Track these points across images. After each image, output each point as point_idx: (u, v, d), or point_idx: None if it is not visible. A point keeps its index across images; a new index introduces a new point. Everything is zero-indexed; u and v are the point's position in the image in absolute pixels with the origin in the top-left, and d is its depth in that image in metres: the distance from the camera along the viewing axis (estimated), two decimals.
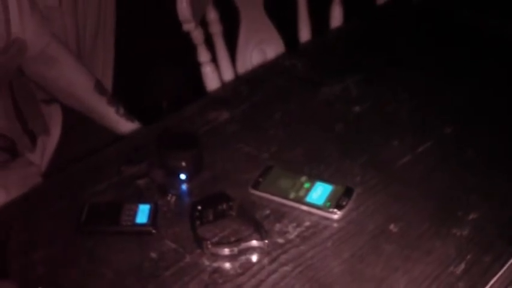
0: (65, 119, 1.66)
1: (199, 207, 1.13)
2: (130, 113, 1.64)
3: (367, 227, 1.14)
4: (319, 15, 1.96)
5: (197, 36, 1.68)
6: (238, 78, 1.79)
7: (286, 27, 1.94)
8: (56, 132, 1.63)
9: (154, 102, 1.98)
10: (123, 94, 1.85)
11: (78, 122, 1.65)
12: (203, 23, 1.73)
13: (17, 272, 1.07)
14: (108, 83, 2.12)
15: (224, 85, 1.74)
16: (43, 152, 1.57)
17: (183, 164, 1.23)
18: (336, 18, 1.95)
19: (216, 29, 1.75)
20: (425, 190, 1.21)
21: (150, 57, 2.35)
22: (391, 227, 1.13)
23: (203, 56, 1.72)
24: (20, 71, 1.57)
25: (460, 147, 1.31)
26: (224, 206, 1.14)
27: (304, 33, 1.94)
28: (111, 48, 2.16)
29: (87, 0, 2.03)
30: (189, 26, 1.64)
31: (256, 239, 1.09)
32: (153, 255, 1.10)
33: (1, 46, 1.40)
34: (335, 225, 1.14)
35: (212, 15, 1.74)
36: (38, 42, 1.51)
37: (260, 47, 1.90)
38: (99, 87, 1.62)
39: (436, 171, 1.26)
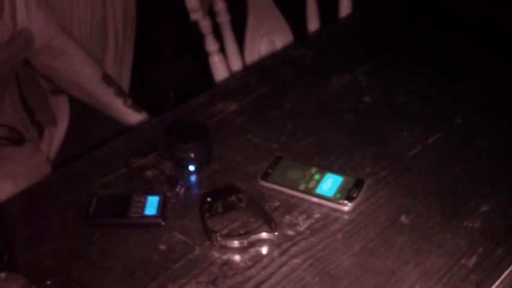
0: (72, 110, 1.65)
1: (209, 199, 1.12)
2: (139, 104, 1.63)
3: (378, 219, 1.13)
4: (327, 5, 1.95)
5: (205, 25, 1.67)
6: (246, 68, 1.78)
7: (294, 17, 1.93)
8: (63, 123, 1.62)
9: (162, 93, 1.97)
10: (132, 85, 1.85)
11: (85, 113, 1.64)
12: (211, 13, 1.72)
13: (25, 264, 1.06)
14: (127, 78, 2.11)
15: (232, 76, 1.73)
16: (50, 143, 1.57)
17: (192, 155, 1.22)
18: (345, 7, 1.94)
19: (223, 18, 1.75)
20: (436, 181, 1.20)
21: (158, 48, 2.34)
22: (402, 218, 1.12)
23: (211, 45, 1.71)
24: (27, 63, 1.56)
25: (470, 138, 1.30)
26: (233, 198, 1.13)
27: (313, 23, 1.93)
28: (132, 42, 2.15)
29: None
30: (197, 15, 1.63)
31: (266, 231, 1.08)
32: (162, 247, 1.09)
33: (8, 37, 1.39)
34: (345, 217, 1.13)
35: (220, 5, 1.73)
36: (45, 34, 1.50)
37: (268, 37, 1.89)
38: (107, 79, 1.61)
39: (446, 162, 1.25)
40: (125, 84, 2.00)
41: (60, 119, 1.62)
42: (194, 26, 1.68)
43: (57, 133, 1.60)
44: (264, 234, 1.07)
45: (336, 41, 1.67)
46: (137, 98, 1.65)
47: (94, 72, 1.61)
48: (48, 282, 0.97)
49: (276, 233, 1.08)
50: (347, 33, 1.72)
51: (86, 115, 1.64)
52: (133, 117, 1.61)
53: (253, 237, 1.07)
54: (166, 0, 1.88)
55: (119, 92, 1.61)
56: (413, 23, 1.70)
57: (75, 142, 1.59)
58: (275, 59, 1.62)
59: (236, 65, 1.79)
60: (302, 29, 1.92)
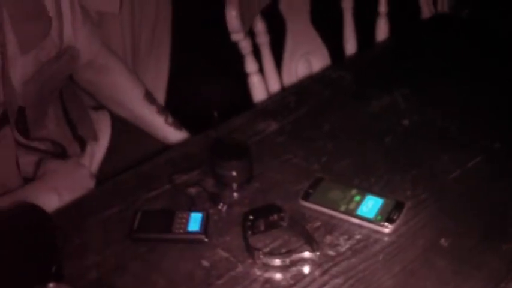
0: (113, 127, 1.68)
1: (251, 217, 1.14)
2: (180, 122, 1.66)
3: (418, 241, 1.14)
4: (365, 28, 1.97)
5: (245, 46, 1.70)
6: (286, 89, 1.80)
7: (331, 39, 1.95)
8: (104, 139, 1.64)
9: (203, 112, 2.01)
10: (173, 103, 1.87)
11: (126, 129, 1.66)
12: (250, 34, 1.75)
13: (70, 276, 1.08)
14: (161, 94, 2.14)
15: (272, 96, 1.75)
16: (92, 158, 1.59)
17: (234, 173, 1.24)
18: (382, 31, 1.96)
19: (263, 39, 1.77)
20: (476, 205, 1.21)
21: (200, 67, 2.37)
22: (442, 241, 1.13)
23: (251, 66, 1.73)
24: (70, 78, 1.60)
25: (509, 162, 1.31)
26: (275, 216, 1.15)
27: (350, 46, 1.95)
28: (166, 59, 2.18)
29: (144, 10, 2.06)
30: (238, 36, 1.66)
31: (308, 251, 1.09)
32: (205, 263, 1.11)
33: (54, 53, 1.42)
34: (386, 239, 1.15)
35: (259, 26, 1.75)
36: (89, 51, 1.53)
37: (306, 58, 1.91)
38: (149, 97, 1.64)
39: (486, 186, 1.26)
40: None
41: (101, 135, 1.64)
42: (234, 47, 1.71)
43: (99, 148, 1.62)
44: (306, 254, 1.09)
45: (373, 63, 1.69)
46: (179, 116, 1.67)
47: (136, 89, 1.64)
48: None
49: (318, 253, 1.09)
50: (385, 56, 1.73)
51: (127, 132, 1.66)
52: (174, 135, 1.63)
53: (295, 256, 1.09)
54: (210, 20, 1.89)
55: (161, 110, 1.64)
56: (451, 47, 1.71)
57: (116, 158, 1.61)
58: (314, 80, 1.64)
59: (274, 85, 1.81)
60: (339, 51, 1.94)
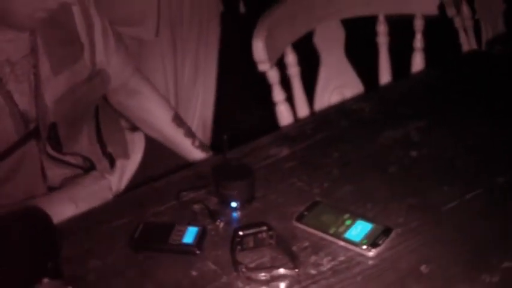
0: (147, 146, 1.78)
1: (241, 233, 1.22)
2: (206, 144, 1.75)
3: (399, 266, 1.18)
4: (400, 62, 2.01)
5: (272, 76, 1.76)
6: (304, 118, 1.86)
7: (366, 72, 2.00)
8: (136, 157, 1.75)
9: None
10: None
11: (157, 148, 1.76)
12: (281, 64, 1.82)
13: (72, 276, 1.17)
14: (209, 119, 2.25)
15: (291, 124, 1.81)
16: (122, 175, 1.70)
17: (235, 193, 1.32)
18: (418, 65, 1.99)
19: (293, 71, 1.83)
20: (465, 235, 1.24)
21: (243, 94, 2.45)
22: (422, 268, 1.17)
23: (278, 95, 1.79)
24: (107, 101, 1.72)
25: (508, 197, 1.33)
26: (264, 234, 1.22)
27: (385, 80, 1.99)
28: (212, 86, 2.29)
29: (185, 37, 2.18)
30: (264, 66, 1.73)
31: (288, 268, 1.16)
32: (194, 273, 1.19)
33: (86, 75, 1.54)
34: (369, 262, 1.19)
35: (290, 58, 1.81)
36: (121, 76, 1.65)
37: (339, 91, 1.96)
38: (177, 120, 1.74)
39: (479, 218, 1.28)
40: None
41: (133, 154, 1.75)
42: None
43: (129, 166, 1.73)
44: (284, 270, 1.15)
45: (398, 96, 1.73)
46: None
47: (166, 113, 1.74)
48: None
49: (297, 270, 1.16)
50: (412, 89, 1.77)
51: (158, 151, 1.77)
52: (200, 156, 1.73)
53: (275, 272, 1.16)
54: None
55: (188, 133, 1.74)
56: (482, 82, 1.74)
57: (146, 176, 1.71)
58: (335, 110, 1.71)
59: (303, 115, 1.87)
60: (374, 84, 1.99)
